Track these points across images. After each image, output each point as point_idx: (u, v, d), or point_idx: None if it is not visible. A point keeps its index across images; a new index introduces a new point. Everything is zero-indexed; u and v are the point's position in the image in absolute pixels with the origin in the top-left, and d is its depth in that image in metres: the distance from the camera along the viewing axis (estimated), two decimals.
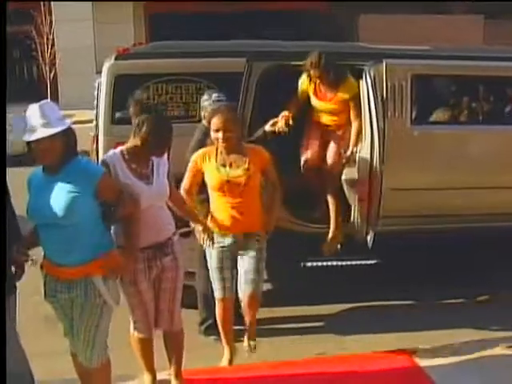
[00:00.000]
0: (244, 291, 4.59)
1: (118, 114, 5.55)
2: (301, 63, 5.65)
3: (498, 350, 4.65)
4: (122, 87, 5.61)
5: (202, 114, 5.17)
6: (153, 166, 4.01)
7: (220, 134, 4.45)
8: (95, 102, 5.85)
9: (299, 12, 24.54)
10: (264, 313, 5.38)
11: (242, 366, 4.63)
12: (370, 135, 5.57)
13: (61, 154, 3.51)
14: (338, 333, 5.17)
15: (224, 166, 4.54)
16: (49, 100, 3.68)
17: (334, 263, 5.86)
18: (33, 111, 3.46)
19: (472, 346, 4.76)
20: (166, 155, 4.08)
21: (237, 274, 4.63)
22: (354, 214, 5.75)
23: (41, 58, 21.70)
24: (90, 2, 22.99)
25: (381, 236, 5.69)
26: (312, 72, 5.59)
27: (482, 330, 5.17)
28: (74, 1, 22.10)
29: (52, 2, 22.06)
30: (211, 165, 4.56)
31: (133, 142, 3.93)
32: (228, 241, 4.58)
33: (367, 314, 4.77)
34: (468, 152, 5.92)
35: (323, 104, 5.75)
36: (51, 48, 21.62)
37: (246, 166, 4.53)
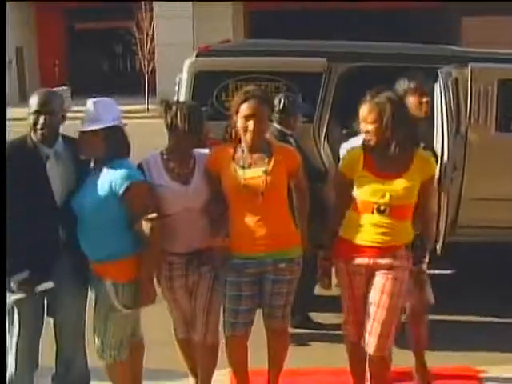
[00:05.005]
0: (267, 326, 3.92)
1: None
2: (383, 65, 5.52)
3: None
4: (201, 84, 5.68)
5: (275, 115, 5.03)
6: (194, 165, 3.82)
7: (251, 124, 3.63)
8: (175, 97, 5.91)
9: (400, 11, 24.16)
10: (320, 318, 5.36)
11: (296, 370, 4.49)
12: (447, 142, 5.37)
13: (102, 150, 3.59)
14: (401, 345, 4.94)
15: (243, 167, 3.71)
16: (107, 98, 3.75)
17: None
18: (88, 105, 3.60)
19: None
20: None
21: (255, 306, 3.87)
22: None
23: (140, 53, 22.32)
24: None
25: (457, 246, 5.48)
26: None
27: None
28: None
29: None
30: (228, 166, 3.73)
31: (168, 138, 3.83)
32: (250, 265, 3.76)
33: (433, 327, 4.56)
34: None
35: None
36: (150, 43, 22.20)
37: (268, 166, 3.70)
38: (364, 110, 3.64)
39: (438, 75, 5.27)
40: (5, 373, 3.55)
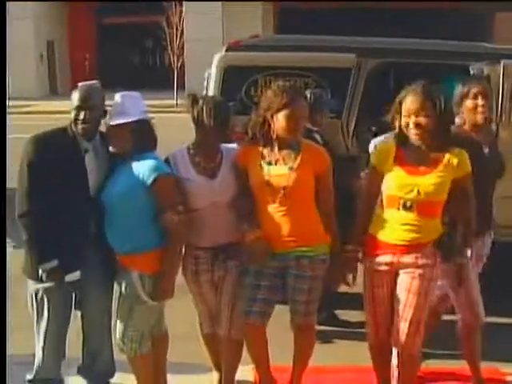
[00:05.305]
0: (292, 322, 3.90)
1: None
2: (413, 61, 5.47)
3: None
4: (231, 79, 5.68)
5: None
6: (221, 160, 3.82)
7: (298, 123, 3.65)
8: (204, 92, 5.92)
9: (431, 10, 23.96)
10: (345, 315, 5.31)
11: (321, 367, 4.46)
12: None
13: (130, 143, 3.62)
14: (437, 346, 4.86)
15: (269, 163, 3.72)
16: (135, 92, 3.79)
17: None
18: (115, 99, 3.65)
19: None
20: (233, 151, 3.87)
21: (274, 298, 3.86)
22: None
23: (169, 48, 22.42)
24: None
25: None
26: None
27: None
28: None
29: None
30: (255, 162, 3.74)
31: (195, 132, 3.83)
32: (273, 258, 3.76)
33: None
34: None
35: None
36: (180, 39, 22.28)
37: (294, 163, 3.69)
38: (414, 102, 3.50)
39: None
40: (5, 372, 3.62)
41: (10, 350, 3.96)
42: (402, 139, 3.61)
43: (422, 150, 3.56)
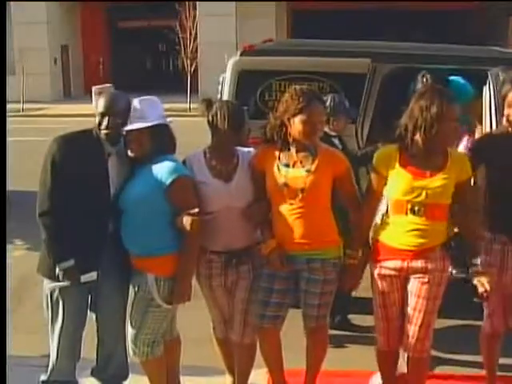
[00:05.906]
0: (304, 326, 3.91)
1: None
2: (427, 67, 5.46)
3: None
4: (245, 83, 5.72)
5: None
6: (237, 163, 3.82)
7: (315, 128, 3.66)
8: (218, 96, 5.95)
9: (448, 12, 23.93)
10: (358, 320, 5.28)
11: (333, 371, 4.44)
12: None
13: (149, 147, 3.63)
14: (445, 350, 4.86)
15: (287, 165, 3.73)
16: (154, 97, 3.79)
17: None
18: (134, 104, 3.66)
19: None
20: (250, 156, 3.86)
21: (287, 302, 3.86)
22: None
23: (183, 52, 22.47)
24: None
25: None
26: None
27: None
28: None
29: None
30: (272, 164, 3.74)
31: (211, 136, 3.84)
32: (286, 261, 3.77)
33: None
34: None
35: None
36: (193, 42, 22.34)
37: (311, 166, 3.70)
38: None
39: (487, 77, 5.20)
40: (5, 372, 3.65)
41: (11, 350, 3.97)
42: (404, 143, 3.59)
43: (424, 153, 3.55)
